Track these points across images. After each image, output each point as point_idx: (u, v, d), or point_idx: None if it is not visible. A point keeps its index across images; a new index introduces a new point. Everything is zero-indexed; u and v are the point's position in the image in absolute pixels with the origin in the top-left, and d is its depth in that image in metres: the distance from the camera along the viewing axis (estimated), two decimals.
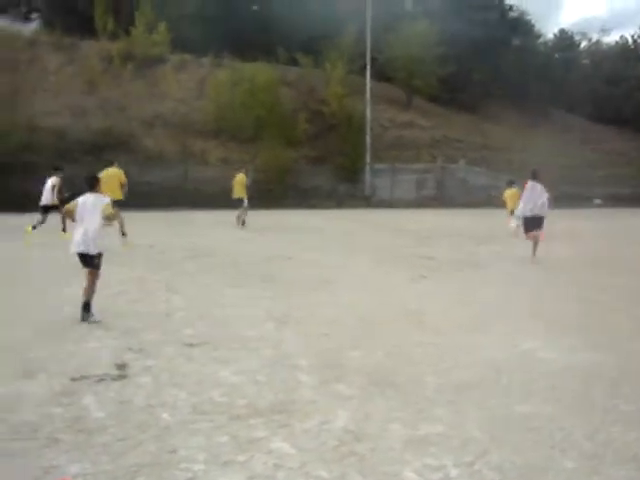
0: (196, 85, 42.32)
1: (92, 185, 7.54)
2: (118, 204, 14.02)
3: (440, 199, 39.23)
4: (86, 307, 7.13)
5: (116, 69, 42.68)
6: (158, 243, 15.74)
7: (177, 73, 43.19)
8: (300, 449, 3.95)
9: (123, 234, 15.40)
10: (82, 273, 7.38)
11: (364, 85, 40.80)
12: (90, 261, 7.22)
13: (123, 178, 16.11)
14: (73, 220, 7.41)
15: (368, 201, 37.99)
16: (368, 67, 40.53)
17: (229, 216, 21.25)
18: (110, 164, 16.58)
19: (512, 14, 60.48)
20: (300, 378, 5.26)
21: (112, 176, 15.54)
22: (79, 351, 5.95)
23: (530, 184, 13.62)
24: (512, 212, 16.86)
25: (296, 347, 6.18)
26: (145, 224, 21.05)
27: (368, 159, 39.33)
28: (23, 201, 27.81)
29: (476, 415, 4.55)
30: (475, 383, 5.24)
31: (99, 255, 7.27)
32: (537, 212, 13.44)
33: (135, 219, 20.73)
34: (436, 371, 5.53)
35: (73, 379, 5.14)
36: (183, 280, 10.21)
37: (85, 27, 47.62)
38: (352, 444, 4.01)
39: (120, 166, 16.69)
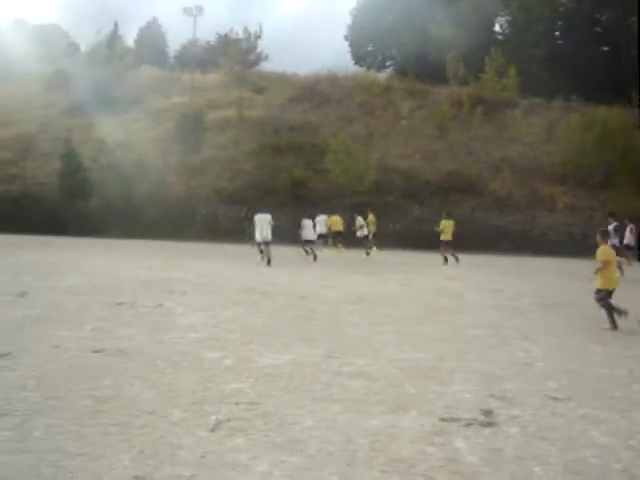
0: (545, 129, 41.77)
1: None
2: None
3: None
4: None
5: (465, 114, 43.88)
6: (506, 288, 15.75)
7: (526, 117, 43.07)
8: None
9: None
10: None
11: None
12: None
13: None
14: None
15: None
16: None
17: (576, 265, 20.48)
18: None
19: None
20: None
21: None
22: (445, 392, 6.11)
23: None
24: None
25: None
26: (489, 268, 21.14)
27: None
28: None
29: None
30: None
31: None
32: None
33: (479, 262, 20.80)
34: None
35: (442, 419, 5.28)
36: (537, 328, 10.02)
37: (436, 74, 49.88)
38: None
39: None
